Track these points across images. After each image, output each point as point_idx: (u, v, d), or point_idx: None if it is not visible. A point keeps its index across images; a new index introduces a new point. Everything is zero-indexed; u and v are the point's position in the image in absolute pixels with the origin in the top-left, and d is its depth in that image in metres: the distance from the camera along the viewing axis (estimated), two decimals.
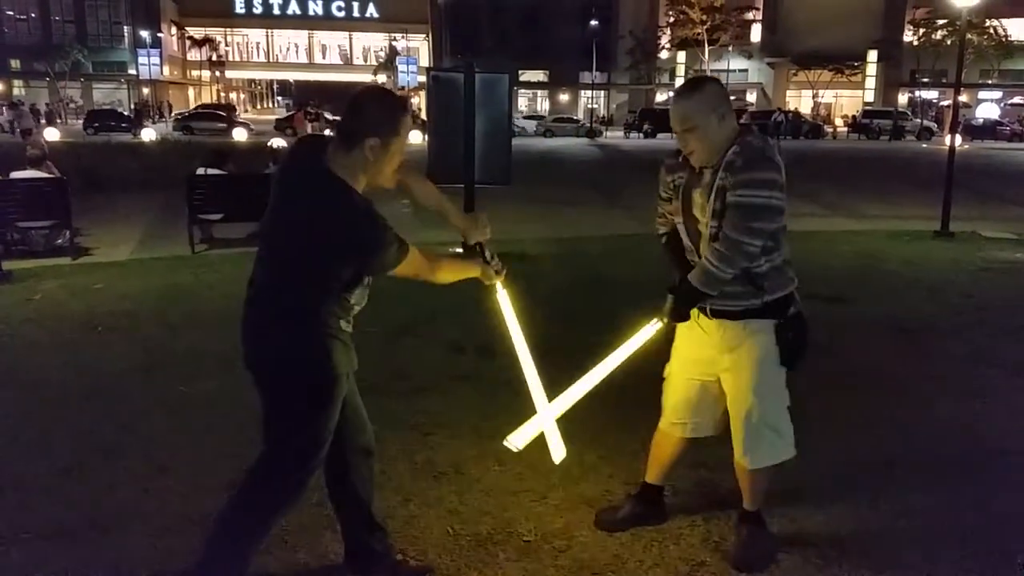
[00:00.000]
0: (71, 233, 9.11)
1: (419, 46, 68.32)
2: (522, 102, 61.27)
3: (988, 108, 50.82)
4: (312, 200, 2.26)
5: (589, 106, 56.97)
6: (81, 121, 42.08)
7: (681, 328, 2.87)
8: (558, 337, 5.62)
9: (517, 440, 2.70)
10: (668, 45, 56.45)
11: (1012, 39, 49.33)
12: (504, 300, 2.81)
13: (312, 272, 2.28)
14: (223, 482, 3.18)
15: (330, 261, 2.27)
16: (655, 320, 2.74)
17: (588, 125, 46.87)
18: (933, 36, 50.14)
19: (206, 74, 65.07)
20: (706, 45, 51.90)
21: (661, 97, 59.26)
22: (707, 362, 2.83)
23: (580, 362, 5.06)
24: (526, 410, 4.29)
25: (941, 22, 48.52)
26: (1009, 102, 51.23)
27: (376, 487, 2.81)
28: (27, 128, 30.26)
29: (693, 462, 3.45)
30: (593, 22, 53.71)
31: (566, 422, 2.84)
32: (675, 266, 2.84)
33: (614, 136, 45.87)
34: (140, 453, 3.73)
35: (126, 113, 44.29)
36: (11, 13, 56.45)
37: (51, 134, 30.85)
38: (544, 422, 2.76)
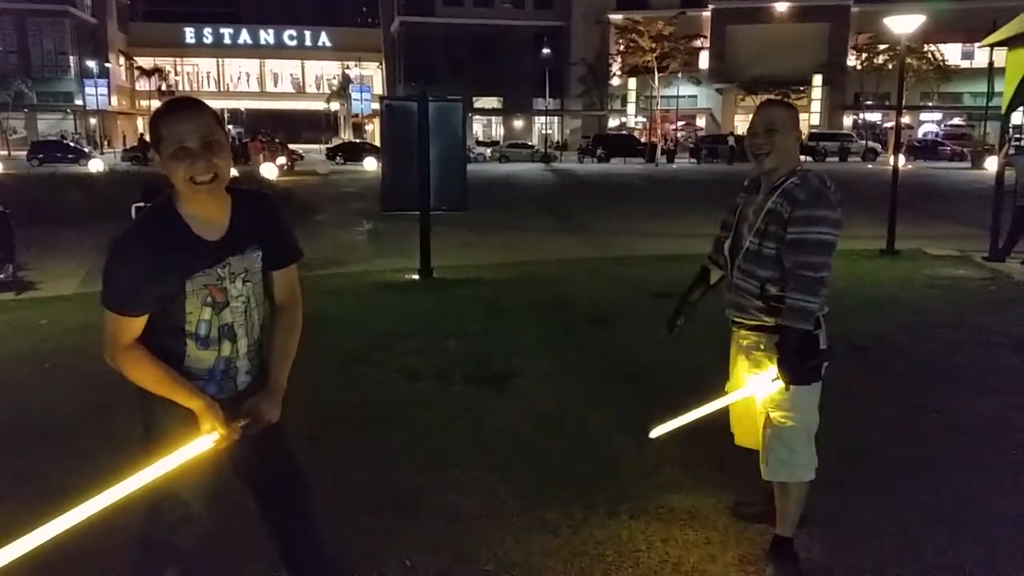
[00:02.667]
0: (14, 268, 8.89)
1: (373, 74, 68.50)
2: (477, 128, 61.62)
3: (929, 129, 52.47)
4: None
5: (543, 132, 57.51)
6: (25, 152, 41.27)
7: (733, 343, 3.07)
8: (515, 363, 5.62)
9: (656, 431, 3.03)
10: (619, 72, 57.35)
11: (949, 63, 51.16)
12: (203, 444, 2.15)
13: None
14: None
15: None
16: (775, 379, 2.79)
17: (543, 151, 47.31)
18: (875, 60, 51.77)
19: (155, 104, 64.25)
20: (656, 72, 52.83)
21: (614, 123, 60.12)
22: (741, 375, 3.02)
23: (536, 387, 5.09)
24: (486, 439, 4.29)
25: (883, 47, 50.15)
26: (948, 123, 52.98)
27: (330, 522, 2.75)
28: None
29: (720, 481, 3.57)
30: (546, 50, 54.40)
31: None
32: (687, 291, 3.16)
33: (568, 161, 46.35)
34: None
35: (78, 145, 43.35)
36: None
37: None
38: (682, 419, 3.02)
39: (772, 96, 54.21)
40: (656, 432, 3.02)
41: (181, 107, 2.11)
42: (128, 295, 2.05)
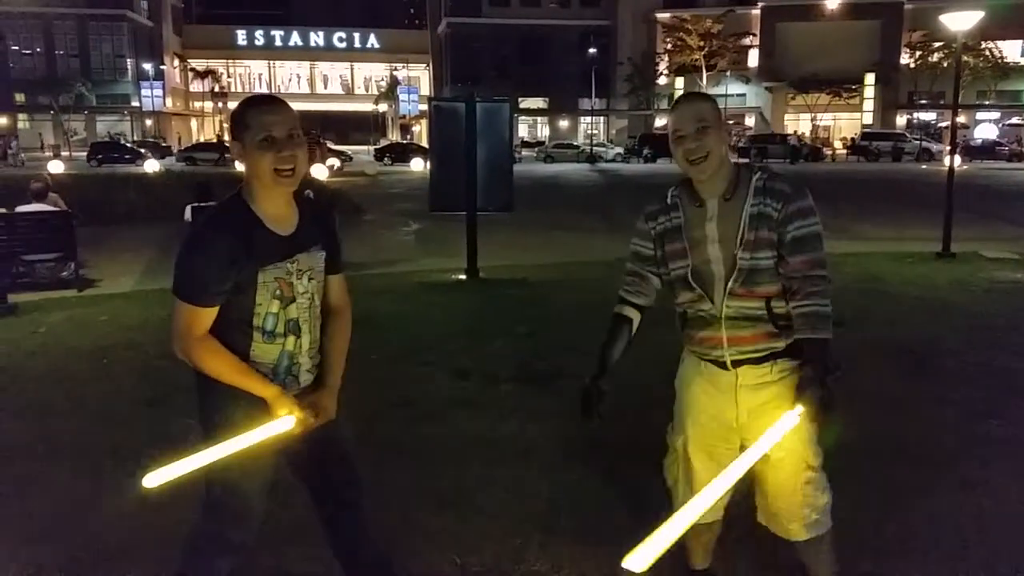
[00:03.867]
0: (76, 265, 9.16)
1: (420, 75, 69.06)
2: (522, 129, 61.70)
3: (986, 128, 51.13)
4: None
5: (589, 132, 57.35)
6: (85, 153, 42.56)
7: (692, 389, 2.57)
8: (562, 362, 5.62)
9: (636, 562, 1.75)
10: (666, 71, 56.94)
11: (1007, 61, 49.78)
12: (281, 425, 2.21)
13: None
14: None
15: None
16: (796, 407, 2.24)
17: (589, 151, 47.27)
18: (929, 59, 50.60)
19: (208, 105, 65.65)
20: (704, 71, 52.35)
21: (660, 122, 59.70)
22: (727, 424, 2.49)
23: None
24: (533, 438, 4.30)
25: (937, 45, 49.01)
26: (1007, 122, 51.52)
27: (378, 519, 2.77)
28: None
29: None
30: (592, 49, 54.25)
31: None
32: (605, 346, 2.60)
33: (614, 161, 46.16)
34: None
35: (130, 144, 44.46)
36: (17, 48, 57.08)
37: (55, 167, 31.06)
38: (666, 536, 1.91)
39: (824, 95, 52.40)
40: (633, 564, 1.68)
41: (267, 99, 2.21)
42: (204, 285, 2.11)
